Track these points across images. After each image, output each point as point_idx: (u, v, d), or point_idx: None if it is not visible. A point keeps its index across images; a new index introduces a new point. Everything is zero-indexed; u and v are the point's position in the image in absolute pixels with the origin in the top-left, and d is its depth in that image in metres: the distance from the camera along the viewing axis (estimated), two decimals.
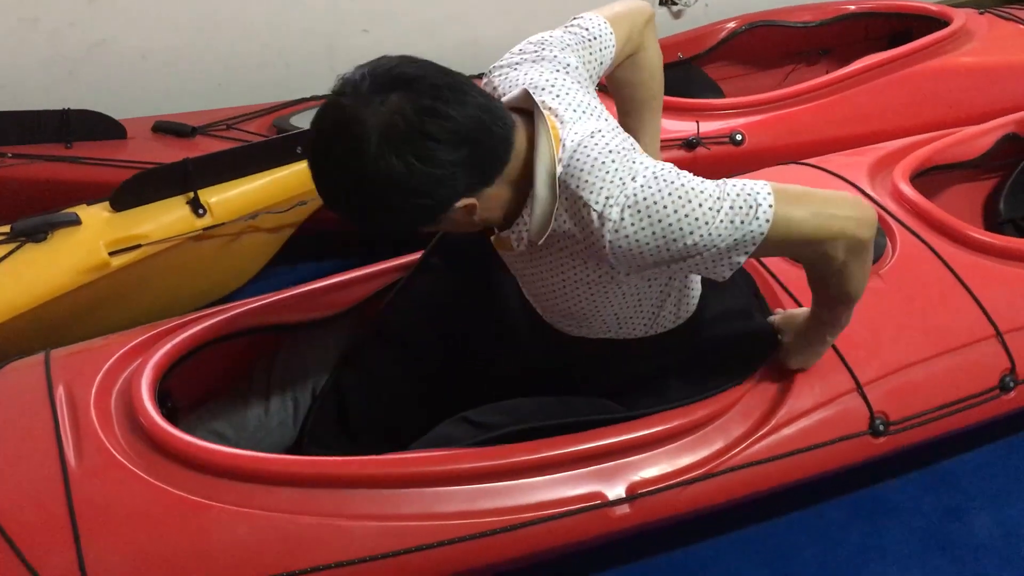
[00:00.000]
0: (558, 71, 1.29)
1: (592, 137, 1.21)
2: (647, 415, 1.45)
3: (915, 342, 1.62)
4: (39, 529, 1.25)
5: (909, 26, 2.87)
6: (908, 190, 1.90)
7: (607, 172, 1.17)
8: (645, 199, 1.15)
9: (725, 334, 1.51)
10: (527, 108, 1.23)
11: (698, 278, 1.47)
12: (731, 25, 2.94)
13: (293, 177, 2.07)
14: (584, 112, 1.24)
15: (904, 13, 2.90)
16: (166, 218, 1.93)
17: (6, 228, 1.81)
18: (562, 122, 1.22)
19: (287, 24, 2.74)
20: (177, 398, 1.70)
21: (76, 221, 1.84)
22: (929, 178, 2.08)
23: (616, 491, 1.40)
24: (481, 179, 1.17)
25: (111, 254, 1.85)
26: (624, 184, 1.16)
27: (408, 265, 1.73)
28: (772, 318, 1.57)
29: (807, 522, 1.72)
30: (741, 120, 2.37)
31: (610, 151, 1.19)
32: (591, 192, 1.17)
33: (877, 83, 2.49)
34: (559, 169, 1.19)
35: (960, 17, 2.66)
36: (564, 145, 1.20)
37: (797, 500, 1.72)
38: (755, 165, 2.05)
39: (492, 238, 1.34)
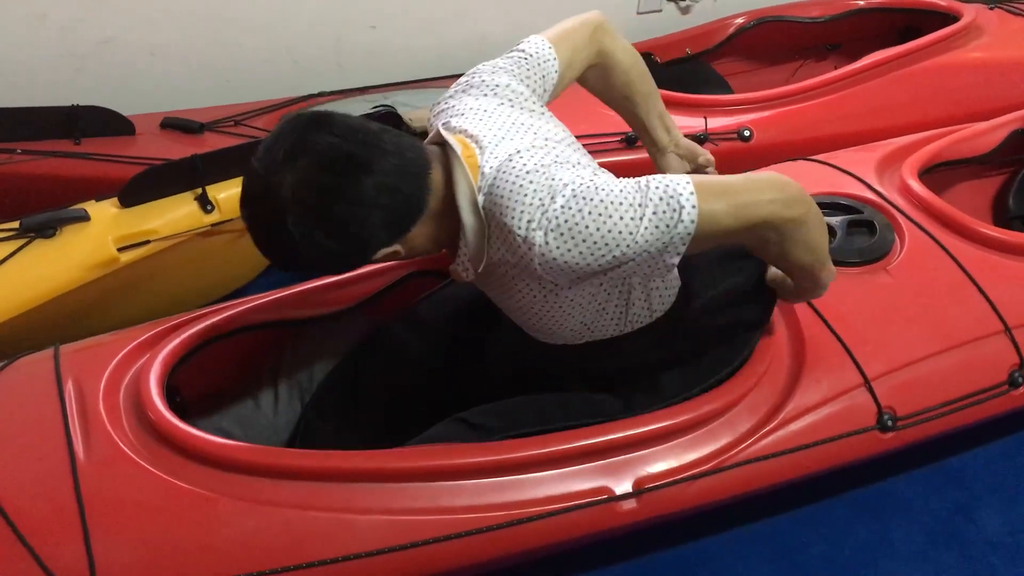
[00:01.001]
0: (485, 95, 1.34)
1: (510, 160, 1.23)
2: (641, 415, 1.45)
3: (923, 337, 1.61)
4: (48, 522, 1.26)
5: (918, 21, 2.86)
6: (917, 186, 1.90)
7: (525, 195, 1.19)
8: (567, 220, 1.17)
9: (713, 322, 1.50)
10: (436, 143, 1.29)
11: (670, 273, 1.46)
12: (739, 21, 2.94)
13: None
14: (508, 132, 1.28)
15: (914, 8, 2.89)
16: (174, 214, 1.93)
17: (15, 224, 1.81)
18: (481, 148, 1.25)
19: (295, 20, 2.74)
20: (186, 393, 1.71)
21: (85, 217, 1.84)
22: (938, 174, 2.08)
23: (623, 486, 1.40)
24: (397, 230, 1.23)
25: (119, 250, 1.86)
26: (544, 206, 1.18)
27: (415, 262, 1.73)
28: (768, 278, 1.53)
29: (814, 518, 1.72)
30: (749, 116, 2.36)
31: (527, 172, 1.21)
32: (512, 218, 1.19)
33: (886, 79, 2.48)
34: (480, 198, 1.22)
35: (970, 12, 2.65)
36: (483, 173, 1.23)
37: (804, 496, 1.72)
38: (763, 161, 2.05)
39: (449, 269, 1.36)
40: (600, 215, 1.16)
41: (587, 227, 1.16)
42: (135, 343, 1.54)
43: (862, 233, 1.78)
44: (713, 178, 1.24)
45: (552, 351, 1.49)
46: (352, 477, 1.32)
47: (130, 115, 2.31)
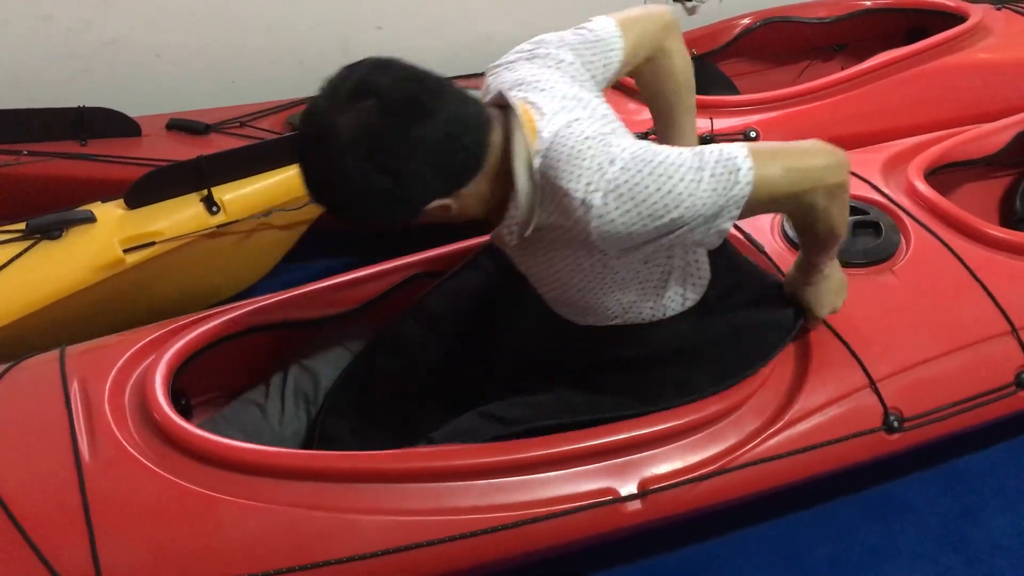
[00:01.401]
0: (548, 67, 1.32)
1: (569, 127, 1.22)
2: (669, 409, 1.44)
3: (929, 338, 1.61)
4: (53, 523, 1.26)
5: (925, 22, 2.85)
6: (923, 187, 1.89)
7: (584, 159, 1.19)
8: (626, 181, 1.17)
9: (739, 322, 1.51)
10: (497, 106, 1.27)
11: (704, 258, 1.47)
12: (745, 21, 2.93)
13: None
14: (568, 104, 1.26)
15: (920, 9, 2.88)
16: (180, 215, 1.94)
17: (21, 225, 1.82)
18: (542, 114, 1.24)
19: (301, 21, 2.74)
20: (191, 395, 1.71)
21: (91, 218, 1.85)
22: (944, 175, 2.07)
23: (628, 487, 1.40)
24: (453, 183, 1.21)
25: (125, 251, 1.86)
26: (603, 169, 1.18)
27: (421, 262, 1.74)
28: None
29: (820, 520, 1.71)
30: (755, 117, 2.36)
31: (586, 138, 1.21)
32: (570, 181, 1.19)
33: (892, 79, 2.47)
34: (537, 161, 1.22)
35: (977, 13, 2.64)
36: (541, 137, 1.22)
37: (810, 498, 1.72)
38: None
39: (491, 234, 1.36)
40: (660, 176, 1.17)
41: (647, 188, 1.17)
42: (140, 344, 1.54)
43: (868, 234, 1.78)
44: (767, 143, 1.26)
45: (570, 341, 1.49)
46: (357, 477, 1.32)
47: (136, 116, 2.31)
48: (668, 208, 1.17)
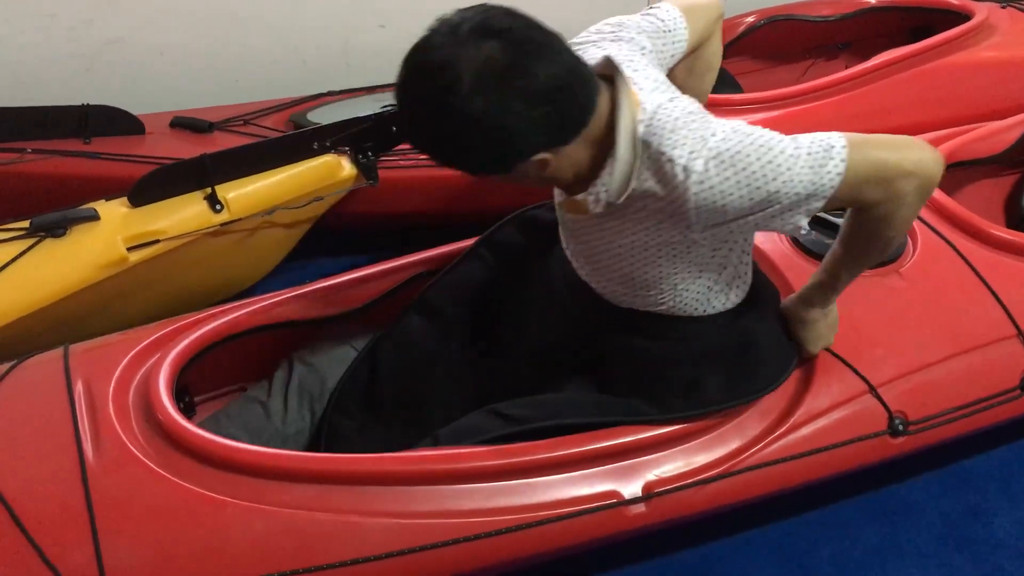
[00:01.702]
0: (634, 51, 1.33)
1: (671, 101, 1.26)
2: (680, 418, 1.44)
3: (935, 341, 1.60)
4: (57, 523, 1.26)
5: (929, 20, 2.84)
6: None
7: (688, 130, 1.22)
8: (727, 149, 1.20)
9: (758, 334, 1.50)
10: (609, 74, 1.26)
11: (750, 261, 1.47)
12: (750, 19, 2.92)
13: (310, 173, 2.07)
14: (660, 86, 1.29)
15: (925, 7, 2.87)
16: (183, 214, 1.93)
17: (25, 223, 1.81)
18: (641, 89, 1.26)
19: (304, 20, 2.74)
20: (194, 393, 1.71)
21: (94, 216, 1.84)
22: (950, 174, 2.05)
23: (632, 490, 1.40)
24: (559, 136, 1.21)
25: (129, 249, 1.86)
26: (705, 139, 1.21)
27: (424, 261, 1.74)
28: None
29: (824, 521, 1.71)
30: (759, 115, 2.35)
31: (688, 112, 1.25)
32: (674, 148, 1.21)
33: (897, 78, 2.46)
34: (640, 129, 1.23)
35: (982, 11, 2.63)
36: (644, 107, 1.24)
37: (814, 499, 1.72)
38: None
39: (561, 202, 1.37)
40: (760, 147, 1.20)
41: (747, 156, 1.19)
42: (144, 343, 1.54)
43: None
44: (860, 134, 1.27)
45: (585, 331, 1.49)
46: (360, 480, 1.32)
47: (140, 114, 2.31)
48: (767, 179, 1.19)
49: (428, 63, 1.15)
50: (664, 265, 1.35)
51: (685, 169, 1.20)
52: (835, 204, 1.26)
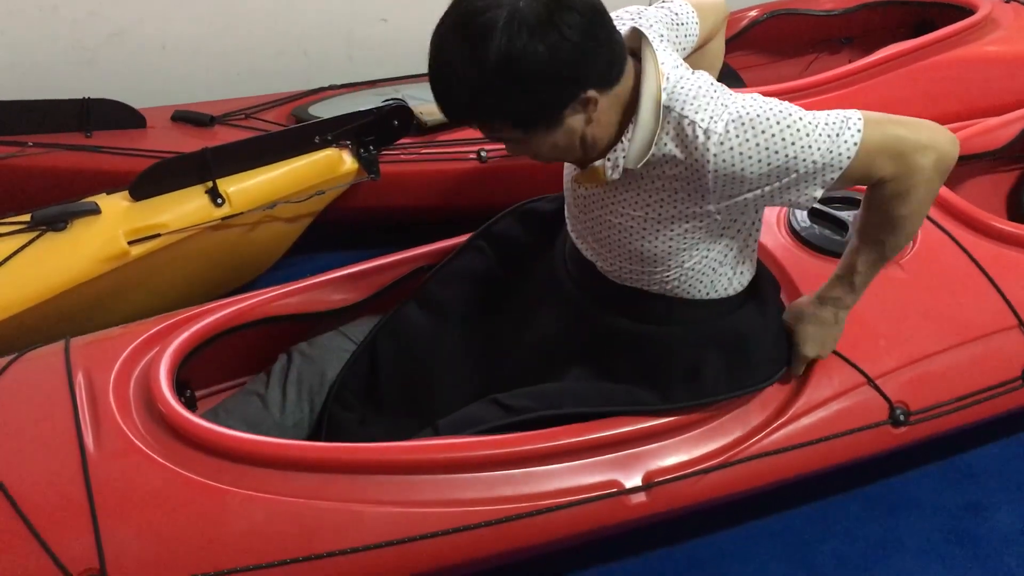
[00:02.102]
0: (653, 37, 1.33)
1: (694, 75, 1.29)
2: (681, 408, 1.44)
3: (936, 332, 1.60)
4: (58, 513, 1.26)
5: (933, 14, 2.84)
6: None
7: (709, 97, 1.25)
8: (748, 113, 1.22)
9: (762, 332, 1.50)
10: (634, 47, 1.29)
11: (756, 246, 1.47)
12: (752, 14, 2.92)
13: (311, 167, 2.07)
14: (680, 64, 1.32)
15: (928, 1, 2.87)
16: (185, 207, 1.93)
17: (26, 217, 1.82)
18: (663, 64, 1.28)
19: (306, 14, 2.74)
20: (195, 387, 1.71)
21: (95, 210, 1.85)
22: (952, 168, 2.06)
23: (633, 479, 1.40)
24: (602, 78, 1.22)
25: (130, 243, 1.86)
26: (726, 105, 1.23)
27: (424, 255, 1.74)
28: (784, 316, 1.55)
29: (826, 515, 1.71)
30: None
31: (710, 83, 1.28)
32: (696, 112, 1.23)
33: (900, 72, 2.46)
34: (663, 96, 1.25)
35: (985, 6, 2.62)
36: (667, 77, 1.26)
37: (815, 492, 1.72)
38: None
39: (575, 177, 1.38)
40: (779, 113, 1.22)
41: (767, 120, 1.21)
42: (145, 336, 1.54)
43: None
44: (876, 112, 1.30)
45: (585, 324, 1.49)
46: (361, 469, 1.32)
47: (141, 108, 2.31)
48: (785, 143, 1.21)
49: (472, 7, 1.15)
50: (674, 239, 1.35)
51: (706, 132, 1.22)
52: (851, 177, 1.27)
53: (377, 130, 2.13)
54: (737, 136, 1.21)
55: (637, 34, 1.29)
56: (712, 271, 1.42)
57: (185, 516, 1.27)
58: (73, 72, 2.52)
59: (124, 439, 1.34)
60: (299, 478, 1.31)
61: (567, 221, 1.52)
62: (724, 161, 1.22)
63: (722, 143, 1.21)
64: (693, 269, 1.40)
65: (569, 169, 1.44)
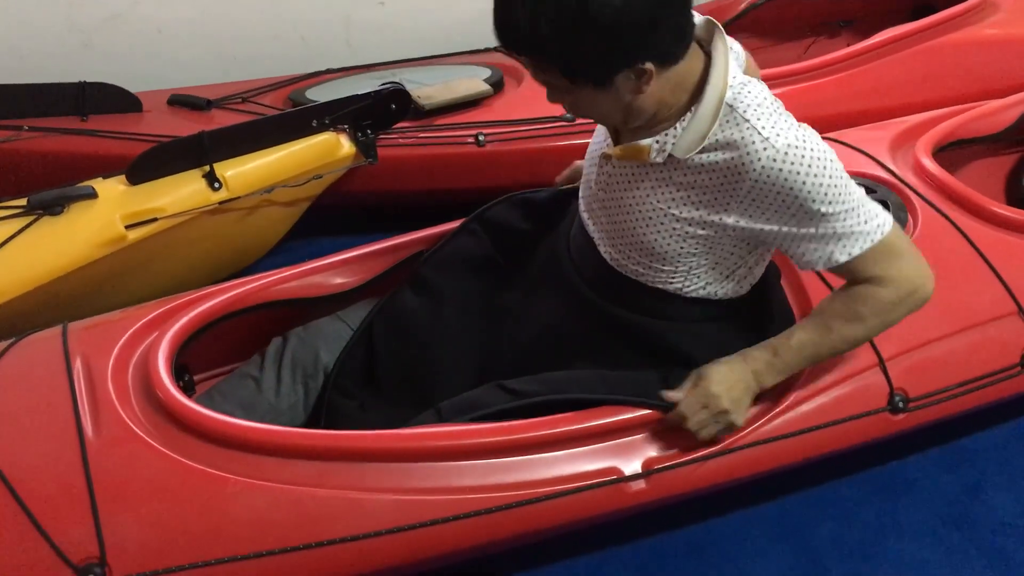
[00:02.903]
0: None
1: (759, 85, 1.29)
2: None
3: (936, 318, 1.60)
4: (57, 501, 1.26)
5: None
6: (930, 164, 1.88)
7: (776, 113, 1.25)
8: (811, 150, 1.23)
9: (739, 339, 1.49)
10: (704, 39, 1.29)
11: (763, 268, 1.47)
12: None
13: (309, 151, 2.07)
14: (739, 73, 1.31)
15: None
16: (182, 191, 1.93)
17: (22, 201, 1.81)
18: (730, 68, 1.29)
19: None
20: (193, 371, 1.71)
21: (92, 194, 1.84)
22: (951, 152, 2.06)
23: (632, 467, 1.40)
24: (665, 53, 1.21)
25: (127, 227, 1.85)
26: (791, 126, 1.24)
27: (422, 240, 1.73)
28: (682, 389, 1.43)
29: (823, 498, 1.71)
30: None
31: (775, 100, 1.28)
32: (759, 119, 1.23)
33: (900, 55, 2.46)
34: (729, 93, 1.25)
35: None
36: (735, 77, 1.27)
37: (814, 476, 1.72)
38: None
39: (606, 152, 1.36)
40: (837, 171, 1.25)
41: (824, 168, 1.23)
42: (143, 321, 1.54)
43: None
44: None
45: (584, 312, 1.48)
46: (361, 456, 1.32)
47: (137, 92, 2.31)
48: (824, 198, 1.24)
49: None
50: (687, 241, 1.35)
51: (765, 140, 1.22)
52: (854, 267, 1.31)
53: (375, 114, 2.12)
54: (792, 162, 1.22)
55: (711, 26, 1.29)
56: (715, 281, 1.42)
57: (185, 504, 1.27)
58: (69, 56, 2.51)
59: (123, 426, 1.34)
60: (299, 466, 1.31)
61: (580, 200, 1.51)
62: (769, 176, 1.23)
63: (774, 159, 1.22)
64: (696, 276, 1.40)
65: (598, 145, 1.43)
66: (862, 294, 1.34)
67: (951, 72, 2.47)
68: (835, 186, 1.24)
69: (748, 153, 1.22)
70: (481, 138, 2.26)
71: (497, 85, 2.44)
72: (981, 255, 1.70)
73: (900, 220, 1.75)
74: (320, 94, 2.36)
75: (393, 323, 1.62)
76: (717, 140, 1.25)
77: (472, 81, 2.40)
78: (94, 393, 1.39)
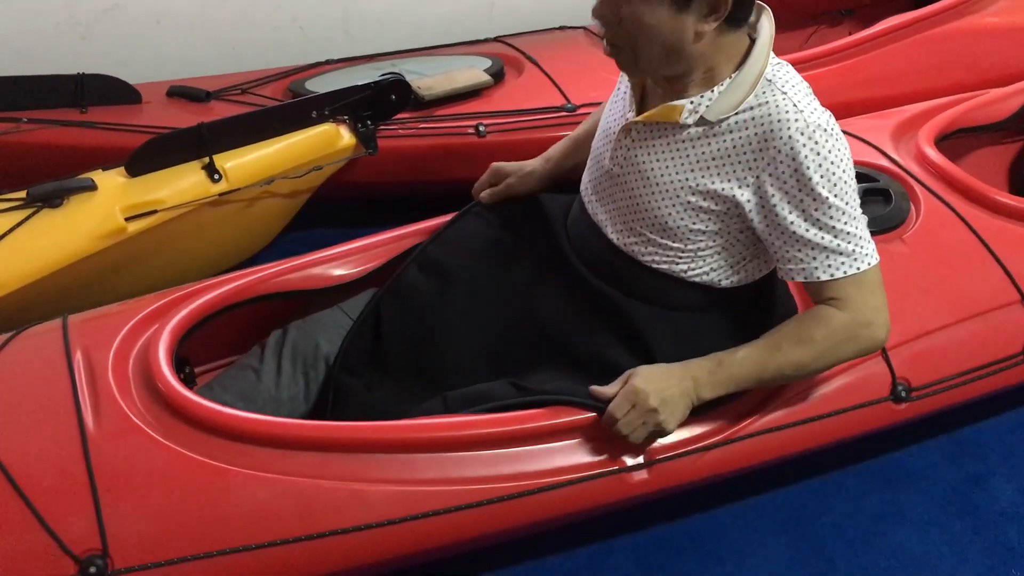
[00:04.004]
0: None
1: (793, 69, 1.35)
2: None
3: (939, 307, 1.60)
4: (59, 492, 1.25)
5: None
6: (933, 153, 1.87)
7: (811, 95, 1.32)
8: (837, 140, 1.28)
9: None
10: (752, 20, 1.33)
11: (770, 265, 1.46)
12: None
13: (308, 142, 2.06)
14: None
15: None
16: (182, 183, 1.92)
17: (22, 193, 1.81)
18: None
19: None
20: (194, 363, 1.71)
21: (92, 187, 1.83)
22: (954, 141, 2.05)
23: (634, 457, 1.39)
24: (737, 9, 1.24)
25: (127, 219, 1.85)
26: (824, 112, 1.30)
27: (424, 230, 1.73)
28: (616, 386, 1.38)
29: (825, 488, 1.71)
30: None
31: (810, 88, 1.34)
32: (796, 95, 1.29)
33: (902, 44, 2.45)
34: (769, 69, 1.30)
35: None
36: (774, 58, 1.33)
37: (816, 466, 1.72)
38: None
39: (646, 114, 1.36)
40: (850, 179, 1.30)
41: (841, 163, 1.28)
42: (144, 313, 1.53)
43: (877, 202, 1.76)
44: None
45: (583, 299, 1.48)
46: (363, 448, 1.32)
47: (136, 83, 2.30)
48: (833, 191, 1.27)
49: None
50: (699, 219, 1.35)
51: (800, 112, 1.26)
52: (829, 287, 1.32)
53: (374, 105, 2.11)
54: (817, 141, 1.25)
55: (760, 10, 1.33)
56: (720, 268, 1.41)
57: (186, 496, 1.27)
58: (67, 47, 2.50)
59: (124, 418, 1.33)
60: (300, 457, 1.30)
61: (585, 187, 1.52)
62: (793, 147, 1.26)
63: (802, 132, 1.25)
64: (703, 259, 1.40)
65: (612, 124, 1.45)
66: (819, 315, 1.34)
67: (954, 61, 2.46)
68: (846, 183, 1.28)
69: (780, 120, 1.26)
70: (481, 128, 2.25)
71: (497, 75, 2.43)
72: (984, 244, 1.69)
73: (903, 209, 1.74)
74: (320, 85, 2.35)
75: (401, 302, 1.61)
76: (751, 106, 1.29)
77: (472, 71, 2.40)
78: (95, 385, 1.38)
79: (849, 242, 1.30)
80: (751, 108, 1.29)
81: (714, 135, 1.32)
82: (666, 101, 1.34)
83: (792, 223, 1.30)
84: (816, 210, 1.28)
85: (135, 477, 1.28)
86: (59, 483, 1.26)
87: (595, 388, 1.37)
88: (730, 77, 1.30)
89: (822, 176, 1.26)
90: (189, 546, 1.24)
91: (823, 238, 1.30)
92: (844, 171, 1.28)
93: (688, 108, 1.31)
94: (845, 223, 1.29)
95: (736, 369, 1.35)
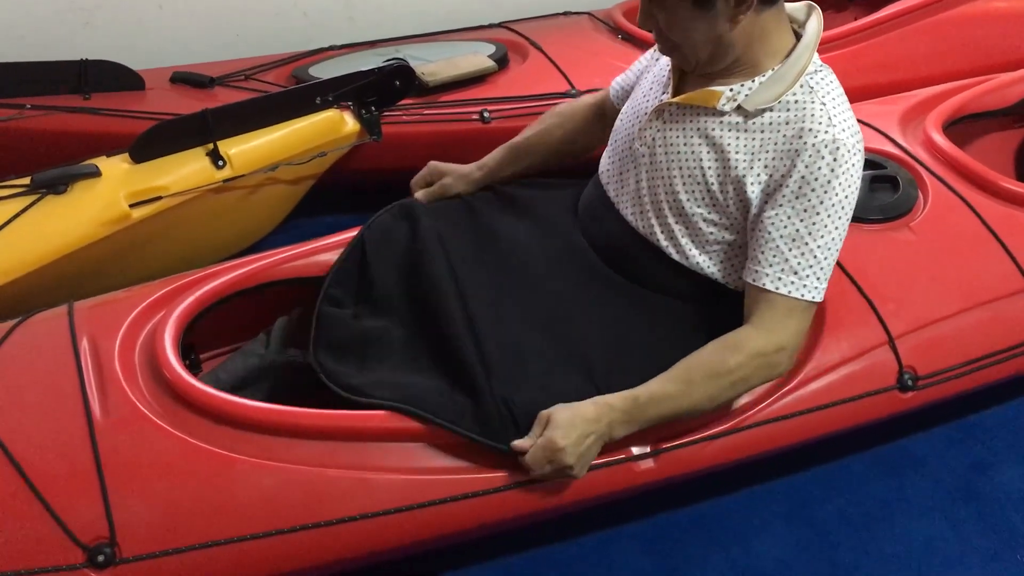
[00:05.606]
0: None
1: (834, 75, 1.37)
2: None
3: (946, 295, 1.59)
4: (66, 481, 1.26)
5: None
6: (940, 139, 1.86)
7: (848, 109, 1.34)
8: (855, 165, 1.30)
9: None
10: (799, 19, 1.37)
11: None
12: None
13: (312, 128, 2.05)
14: None
15: None
16: (186, 169, 1.92)
17: (26, 180, 1.80)
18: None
19: None
20: (200, 350, 1.71)
21: (96, 173, 1.83)
22: (962, 127, 2.04)
23: (641, 446, 1.39)
24: None
25: (131, 206, 1.85)
26: (855, 132, 1.32)
27: None
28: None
29: (831, 474, 1.71)
30: None
31: (846, 97, 1.36)
32: (834, 107, 1.31)
33: (909, 29, 2.43)
34: (811, 68, 1.32)
35: None
36: (817, 59, 1.34)
37: (821, 453, 1.72)
38: None
39: (687, 96, 1.37)
40: (855, 189, 1.33)
41: (846, 184, 1.30)
42: (149, 300, 1.53)
43: (885, 189, 1.76)
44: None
45: (597, 290, 1.48)
46: (369, 436, 1.32)
47: (139, 69, 2.29)
48: (832, 206, 1.30)
49: None
50: (715, 209, 1.37)
51: (832, 126, 1.28)
52: (764, 301, 1.33)
53: (379, 91, 2.11)
54: (836, 159, 1.28)
55: (809, 10, 1.36)
56: (727, 261, 1.42)
57: (193, 484, 1.27)
58: (70, 34, 2.49)
59: (131, 406, 1.34)
60: (306, 445, 1.31)
61: (606, 168, 1.53)
62: (812, 158, 1.28)
63: (827, 145, 1.27)
64: (715, 252, 1.41)
65: (644, 104, 1.46)
66: (734, 342, 1.34)
67: (960, 45, 2.45)
68: (844, 208, 1.31)
69: (811, 130, 1.28)
70: (486, 114, 2.24)
71: (501, 61, 2.42)
72: (991, 231, 1.68)
73: (911, 197, 1.73)
74: (323, 71, 2.34)
75: (383, 238, 1.60)
76: (788, 104, 1.30)
77: (476, 57, 2.39)
78: (101, 373, 1.38)
79: (810, 266, 1.31)
80: (787, 111, 1.30)
81: (746, 130, 1.33)
82: (706, 86, 1.35)
83: (772, 222, 1.31)
84: (801, 220, 1.30)
85: (142, 465, 1.28)
86: (66, 471, 1.27)
87: (515, 444, 1.30)
88: (772, 70, 1.31)
89: (826, 192, 1.29)
90: (196, 534, 1.24)
91: (790, 251, 1.31)
92: (847, 197, 1.31)
93: (727, 95, 1.33)
94: (819, 246, 1.30)
95: (652, 409, 1.33)
